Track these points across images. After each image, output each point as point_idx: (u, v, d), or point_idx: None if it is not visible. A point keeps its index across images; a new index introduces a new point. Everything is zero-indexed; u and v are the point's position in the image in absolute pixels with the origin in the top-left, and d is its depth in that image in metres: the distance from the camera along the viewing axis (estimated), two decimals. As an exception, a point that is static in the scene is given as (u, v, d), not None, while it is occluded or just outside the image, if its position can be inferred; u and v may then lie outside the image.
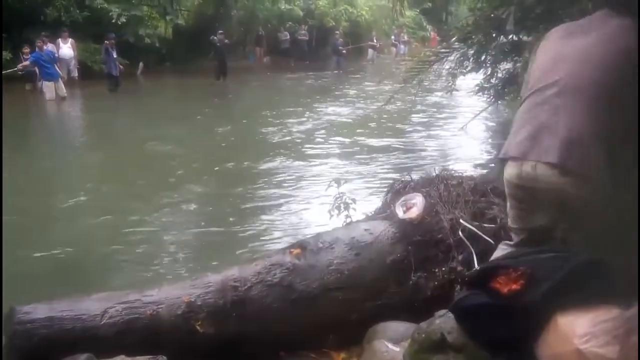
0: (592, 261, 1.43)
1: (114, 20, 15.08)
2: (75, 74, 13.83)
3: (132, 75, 15.19)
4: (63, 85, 11.76)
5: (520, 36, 5.89)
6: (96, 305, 2.19)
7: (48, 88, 11.34)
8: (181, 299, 2.24)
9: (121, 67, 13.13)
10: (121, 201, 5.20)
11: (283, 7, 20.24)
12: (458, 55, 6.24)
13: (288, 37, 20.93)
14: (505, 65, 6.39)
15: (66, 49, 13.36)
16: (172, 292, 2.29)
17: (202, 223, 4.79)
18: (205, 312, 2.24)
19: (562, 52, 1.79)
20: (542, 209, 1.73)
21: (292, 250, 2.60)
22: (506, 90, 6.48)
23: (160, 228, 4.57)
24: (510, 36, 5.70)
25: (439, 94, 9.43)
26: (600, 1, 1.90)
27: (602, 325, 1.30)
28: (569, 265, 1.41)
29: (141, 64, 16.37)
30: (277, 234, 4.43)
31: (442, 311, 1.72)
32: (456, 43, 6.41)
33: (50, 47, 12.35)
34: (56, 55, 12.45)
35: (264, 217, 4.84)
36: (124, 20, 15.32)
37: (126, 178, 6.12)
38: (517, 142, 1.76)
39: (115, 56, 12.67)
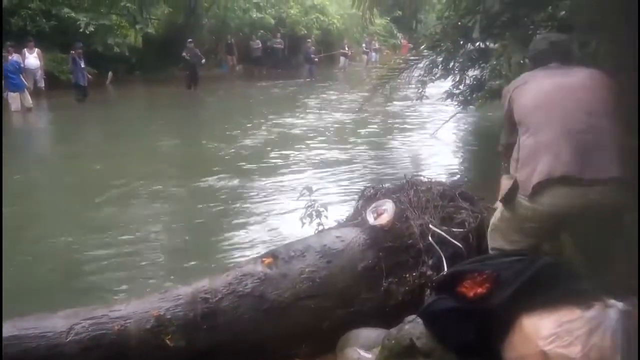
0: (554, 263, 1.46)
1: (81, 30, 14.80)
2: (42, 84, 13.50)
3: (101, 85, 14.93)
4: (29, 96, 11.49)
5: (487, 43, 6.03)
6: (62, 322, 2.13)
7: (13, 99, 11.06)
8: (150, 313, 2.20)
9: (90, 76, 12.91)
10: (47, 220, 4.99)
11: (254, 15, 20.20)
12: (427, 63, 6.34)
13: (260, 45, 20.89)
14: (473, 72, 6.51)
15: (32, 58, 13.02)
16: (140, 306, 2.25)
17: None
18: (175, 326, 2.20)
19: (558, 84, 2.02)
20: (556, 232, 1.86)
21: (263, 259, 2.59)
22: (474, 96, 6.59)
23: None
24: (477, 43, 5.81)
25: (409, 101, 9.55)
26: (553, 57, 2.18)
27: (565, 326, 1.33)
28: (533, 268, 1.44)
29: (110, 74, 16.12)
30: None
31: (411, 317, 1.73)
32: (425, 51, 6.52)
33: (15, 57, 12.05)
34: (22, 65, 12.15)
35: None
36: (92, 30, 15.07)
37: (62, 196, 5.89)
38: (566, 161, 1.78)
39: (83, 66, 12.43)
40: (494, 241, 2.09)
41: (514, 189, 1.86)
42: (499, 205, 2.15)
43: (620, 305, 1.36)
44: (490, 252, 2.09)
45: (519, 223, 1.87)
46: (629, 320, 1.32)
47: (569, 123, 1.89)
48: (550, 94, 2.01)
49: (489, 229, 2.20)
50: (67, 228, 4.71)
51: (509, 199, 1.89)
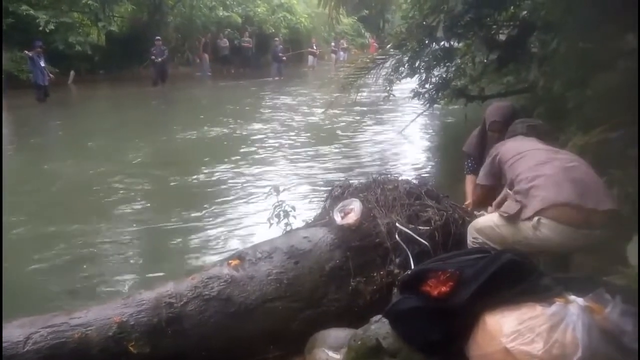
0: (516, 260, 1.48)
1: (41, 28, 14.38)
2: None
3: (63, 84, 14.52)
4: None
5: (451, 43, 6.11)
6: (18, 332, 2.05)
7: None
8: (112, 319, 2.13)
9: (51, 76, 12.52)
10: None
11: (221, 13, 19.99)
12: (393, 62, 6.38)
13: (227, 44, 20.70)
14: (439, 71, 6.59)
15: (-12, 58, 12.57)
16: (102, 312, 2.18)
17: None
18: (138, 332, 2.14)
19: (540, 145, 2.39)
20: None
21: (230, 261, 2.55)
22: (440, 94, 6.67)
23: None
24: (442, 43, 5.88)
25: (377, 99, 9.60)
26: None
27: (527, 323, 1.35)
28: (495, 265, 1.46)
29: (72, 73, 15.70)
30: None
31: (377, 317, 1.73)
32: (391, 50, 6.56)
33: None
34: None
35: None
36: (53, 28, 14.64)
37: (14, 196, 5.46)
38: (568, 191, 1.95)
39: (43, 65, 12.05)
40: (480, 237, 2.20)
41: (517, 214, 1.98)
42: (492, 212, 2.33)
43: (580, 301, 1.39)
44: (472, 245, 2.22)
45: (518, 238, 1.98)
46: (589, 316, 1.35)
47: (563, 162, 2.12)
48: (539, 145, 2.36)
49: (476, 227, 2.28)
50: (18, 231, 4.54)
51: (512, 220, 2.00)
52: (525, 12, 5.43)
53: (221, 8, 19.92)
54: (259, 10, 21.95)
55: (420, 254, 2.45)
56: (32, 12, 14.57)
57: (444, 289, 1.45)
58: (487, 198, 2.54)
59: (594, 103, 3.50)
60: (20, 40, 13.78)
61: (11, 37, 14.05)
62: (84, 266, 3.94)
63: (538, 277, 1.47)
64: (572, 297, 1.40)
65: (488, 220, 2.23)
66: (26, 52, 12.07)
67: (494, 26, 5.82)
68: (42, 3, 15.76)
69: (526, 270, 1.47)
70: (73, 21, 15.83)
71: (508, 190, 2.21)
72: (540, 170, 2.07)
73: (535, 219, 1.87)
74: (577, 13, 3.66)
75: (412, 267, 2.30)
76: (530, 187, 2.00)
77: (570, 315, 1.33)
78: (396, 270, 2.45)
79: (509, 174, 2.24)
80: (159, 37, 15.39)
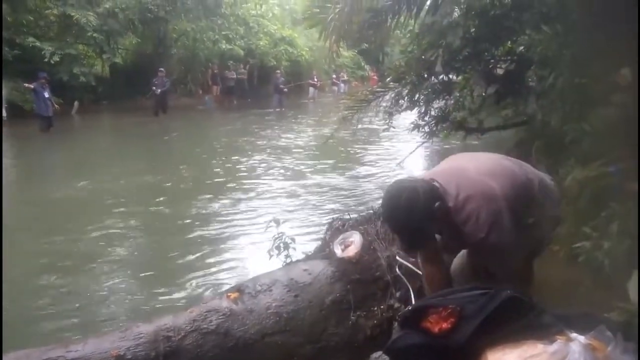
0: (517, 297, 1.47)
1: (47, 59, 14.63)
2: (4, 113, 13.20)
3: (67, 114, 14.69)
4: None
5: (450, 76, 6.20)
6: (14, 366, 2.01)
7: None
8: (109, 353, 2.10)
9: (56, 106, 12.68)
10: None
11: (224, 46, 20.37)
12: (393, 95, 6.47)
13: (235, 76, 21.12)
14: (438, 104, 6.66)
15: (-8, 87, 12.76)
16: (99, 345, 2.15)
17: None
18: (135, 366, 2.11)
19: None
20: None
21: (229, 294, 2.53)
22: (439, 127, 6.73)
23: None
24: (441, 76, 5.97)
25: (376, 131, 9.69)
26: None
27: (528, 361, 1.33)
28: (496, 301, 1.45)
29: (76, 103, 15.91)
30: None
31: (377, 353, 1.71)
32: (391, 83, 6.66)
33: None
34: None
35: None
36: (58, 59, 14.90)
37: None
38: None
39: (47, 95, 12.22)
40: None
41: None
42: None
43: (582, 339, 1.38)
44: None
45: None
46: (591, 354, 1.34)
47: None
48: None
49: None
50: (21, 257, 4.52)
51: None
52: (522, 47, 5.53)
53: (224, 41, 20.31)
54: (261, 43, 22.38)
55: (422, 288, 2.44)
56: (38, 44, 14.86)
57: (445, 325, 1.44)
58: None
59: (592, 137, 3.53)
60: (25, 70, 14.03)
61: (16, 68, 14.29)
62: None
63: (539, 314, 1.46)
64: (574, 335, 1.38)
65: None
66: (26, 84, 12.27)
67: (492, 60, 5.92)
68: (48, 35, 16.09)
69: (526, 307, 1.47)
70: (78, 53, 16.12)
71: None
72: None
73: None
74: (573, 48, 3.73)
75: (413, 301, 2.29)
76: None
77: (572, 353, 1.32)
78: (397, 305, 2.43)
79: None
80: (162, 69, 15.65)
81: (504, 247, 1.82)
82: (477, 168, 1.99)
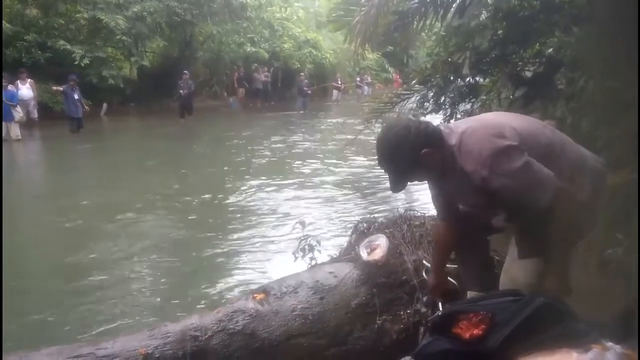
0: (551, 304, 1.44)
1: (77, 62, 14.97)
2: (35, 115, 13.55)
3: (96, 116, 15.02)
4: (17, 128, 11.54)
5: (477, 79, 6.12)
6: (46, 361, 2.06)
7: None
8: (137, 351, 2.13)
9: (86, 107, 12.99)
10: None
11: (249, 49, 20.54)
12: (418, 97, 6.41)
13: (262, 78, 21.31)
14: (464, 107, 6.59)
15: (25, 89, 13.10)
16: (128, 343, 2.19)
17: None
18: (163, 365, 2.14)
19: None
20: None
21: (255, 295, 2.54)
22: (465, 130, 6.64)
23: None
24: (467, 79, 5.90)
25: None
26: None
27: (562, 369, 1.30)
28: (529, 308, 1.42)
29: (105, 105, 16.25)
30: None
31: (406, 358, 1.69)
32: (416, 85, 6.60)
33: (10, 88, 12.13)
34: (16, 96, 12.22)
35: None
36: (87, 62, 15.24)
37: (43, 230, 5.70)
38: None
39: (77, 97, 12.51)
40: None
41: None
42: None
43: (618, 348, 1.34)
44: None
45: None
46: (627, 364, 1.30)
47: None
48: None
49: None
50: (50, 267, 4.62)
51: None
52: (551, 49, 5.43)
53: (249, 44, 20.48)
54: (285, 46, 22.49)
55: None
56: (68, 47, 15.22)
57: (476, 331, 1.42)
58: None
59: (623, 142, 3.45)
60: (56, 73, 14.40)
61: (48, 70, 14.68)
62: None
63: (573, 321, 1.43)
64: (610, 344, 1.35)
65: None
66: (54, 87, 12.64)
67: (520, 63, 5.81)
68: (78, 38, 16.46)
69: (561, 314, 1.44)
70: (107, 56, 16.46)
71: None
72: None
73: None
74: (604, 51, 3.65)
75: (440, 306, 2.26)
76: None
77: (607, 362, 1.29)
78: (423, 309, 2.41)
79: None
80: (186, 71, 15.86)
81: (515, 190, 1.65)
82: (498, 114, 1.98)
